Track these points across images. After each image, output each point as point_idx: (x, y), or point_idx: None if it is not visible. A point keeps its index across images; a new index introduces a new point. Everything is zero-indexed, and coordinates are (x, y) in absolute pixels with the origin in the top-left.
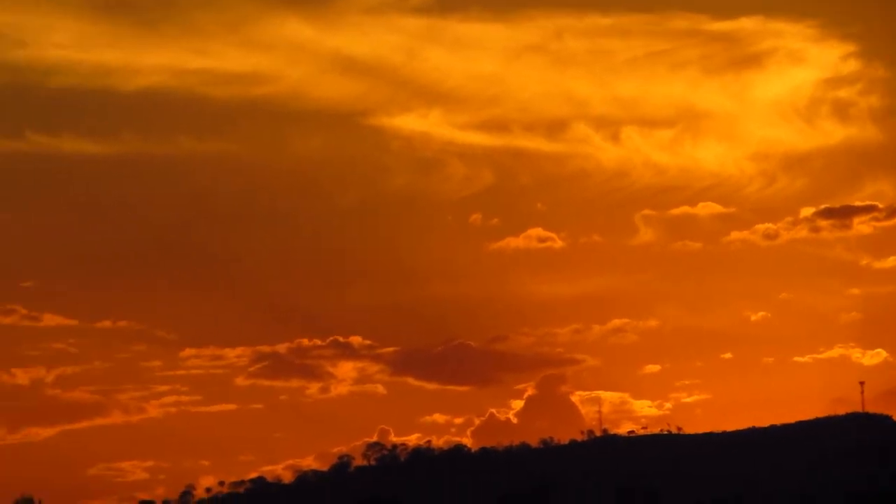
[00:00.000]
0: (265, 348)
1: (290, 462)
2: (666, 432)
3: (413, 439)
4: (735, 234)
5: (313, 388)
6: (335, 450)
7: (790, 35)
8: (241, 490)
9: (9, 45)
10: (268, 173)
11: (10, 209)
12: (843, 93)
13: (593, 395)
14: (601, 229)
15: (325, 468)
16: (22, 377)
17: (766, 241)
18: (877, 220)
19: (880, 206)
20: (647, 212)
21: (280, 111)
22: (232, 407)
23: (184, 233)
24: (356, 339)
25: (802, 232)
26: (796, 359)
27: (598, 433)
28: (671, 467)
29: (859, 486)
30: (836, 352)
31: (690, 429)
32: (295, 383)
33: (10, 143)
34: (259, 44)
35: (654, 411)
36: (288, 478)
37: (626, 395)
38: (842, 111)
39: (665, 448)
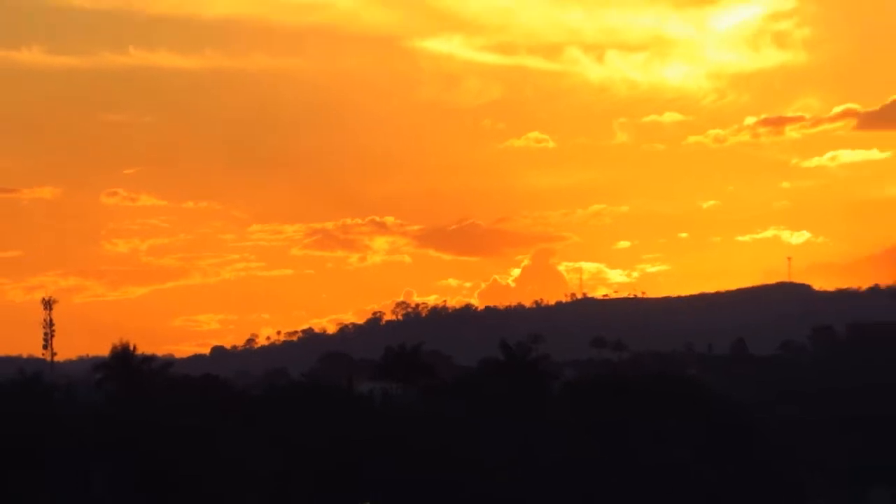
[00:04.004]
0: (316, 225)
1: (334, 316)
2: (633, 296)
3: (432, 299)
4: (692, 138)
5: (354, 257)
6: (370, 307)
7: None
8: (294, 338)
9: None
10: (323, 84)
11: (115, 111)
12: (781, 25)
13: (576, 265)
14: (586, 133)
15: (361, 322)
16: (122, 246)
17: (717, 143)
18: (804, 127)
19: (807, 116)
20: (623, 119)
21: (333, 34)
22: (289, 272)
23: (256, 132)
24: (389, 219)
25: (745, 137)
26: (738, 238)
27: (578, 296)
28: (637, 324)
29: (786, 336)
30: (769, 233)
31: (653, 293)
32: (339, 253)
33: (116, 58)
34: None
35: (624, 279)
36: (332, 329)
37: (602, 266)
38: (779, 40)
39: (632, 308)
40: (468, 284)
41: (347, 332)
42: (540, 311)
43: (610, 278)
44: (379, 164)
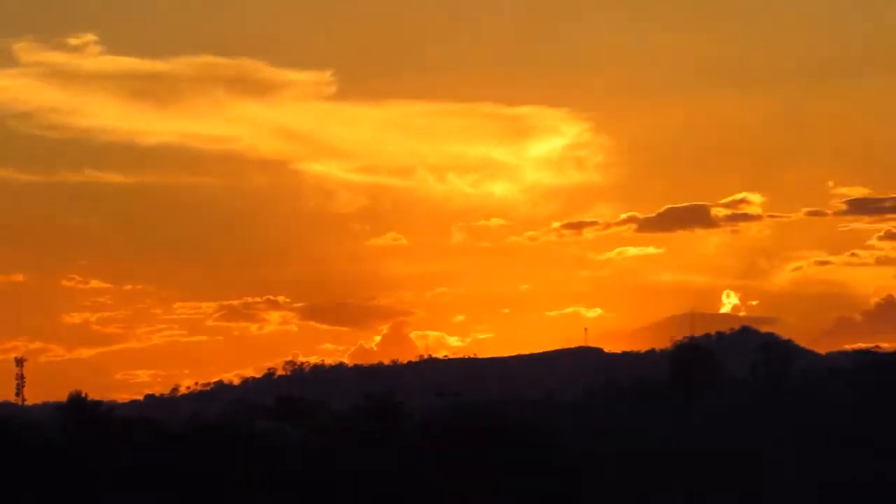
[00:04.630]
0: (225, 302)
1: (238, 372)
2: (467, 357)
3: (313, 359)
4: (512, 238)
5: (253, 327)
6: (266, 365)
7: (551, 117)
8: (208, 388)
9: (73, 115)
10: (231, 196)
11: (71, 216)
12: (580, 153)
13: (423, 333)
14: (432, 233)
15: (259, 375)
16: (77, 318)
17: (531, 241)
18: (598, 230)
19: (600, 221)
20: (459, 223)
21: (239, 159)
22: (204, 338)
23: (179, 232)
24: (281, 298)
25: (553, 237)
26: (547, 313)
27: (425, 356)
28: (471, 379)
29: (584, 387)
30: (571, 309)
31: (482, 354)
32: (243, 324)
33: (74, 175)
34: (228, 117)
35: (460, 344)
36: (237, 381)
37: (443, 334)
38: (579, 164)
39: (466, 366)
40: (341, 348)
41: (248, 384)
42: (396, 368)
43: (449, 343)
44: (274, 257)
